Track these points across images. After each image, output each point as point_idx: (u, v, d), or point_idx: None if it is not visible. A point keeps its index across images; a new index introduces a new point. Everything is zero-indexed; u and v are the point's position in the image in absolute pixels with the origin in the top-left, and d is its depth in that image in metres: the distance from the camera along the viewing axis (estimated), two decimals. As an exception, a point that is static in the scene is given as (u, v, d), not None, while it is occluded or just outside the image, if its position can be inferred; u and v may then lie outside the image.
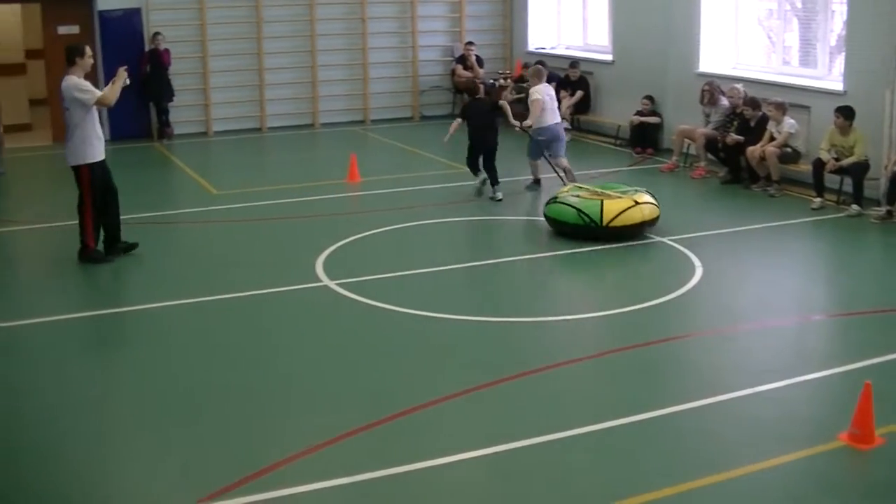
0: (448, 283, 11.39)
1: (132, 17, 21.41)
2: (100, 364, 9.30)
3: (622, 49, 20.16)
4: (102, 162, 12.30)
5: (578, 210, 12.75)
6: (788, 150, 15.18)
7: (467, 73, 22.91)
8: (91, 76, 21.51)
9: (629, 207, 12.73)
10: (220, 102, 21.88)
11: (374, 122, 23.34)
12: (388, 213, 14.43)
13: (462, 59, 23.09)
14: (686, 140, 17.17)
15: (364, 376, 8.80)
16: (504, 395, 8.32)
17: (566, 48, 22.70)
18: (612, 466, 7.11)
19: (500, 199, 15.04)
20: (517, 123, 15.64)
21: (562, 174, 15.64)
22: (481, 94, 16.15)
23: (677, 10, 18.27)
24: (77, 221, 12.29)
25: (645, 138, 18.64)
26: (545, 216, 13.32)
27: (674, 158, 17.25)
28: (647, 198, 13.06)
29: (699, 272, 11.34)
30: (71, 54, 12.05)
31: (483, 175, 15.49)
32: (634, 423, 7.70)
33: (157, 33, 21.03)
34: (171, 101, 21.39)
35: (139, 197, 15.92)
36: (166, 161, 19.46)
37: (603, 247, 12.62)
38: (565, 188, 13.89)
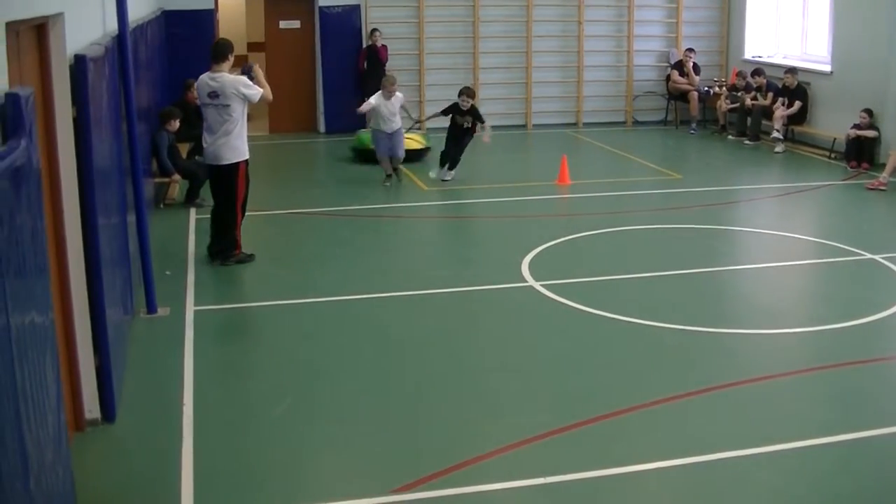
0: (654, 290, 11.32)
1: (351, 14, 22.02)
2: (303, 352, 9.53)
3: (841, 60, 19.70)
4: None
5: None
6: None
7: (683, 80, 22.77)
8: (308, 71, 22.23)
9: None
10: (434, 99, 22.18)
11: (587, 125, 23.41)
12: (597, 217, 14.47)
13: (679, 66, 22.93)
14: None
15: (562, 379, 8.83)
16: (702, 406, 8.26)
17: (783, 57, 22.29)
18: (803, 487, 6.97)
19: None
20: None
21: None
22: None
23: (902, 22, 17.79)
24: (215, 218, 12.13)
25: (861, 153, 18.18)
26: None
27: (883, 176, 16.69)
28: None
29: (911, 292, 11.08)
30: (224, 50, 11.71)
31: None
32: (830, 445, 7.54)
33: (374, 29, 21.53)
34: (388, 96, 21.83)
35: (352, 190, 16.34)
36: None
37: (809, 261, 12.47)
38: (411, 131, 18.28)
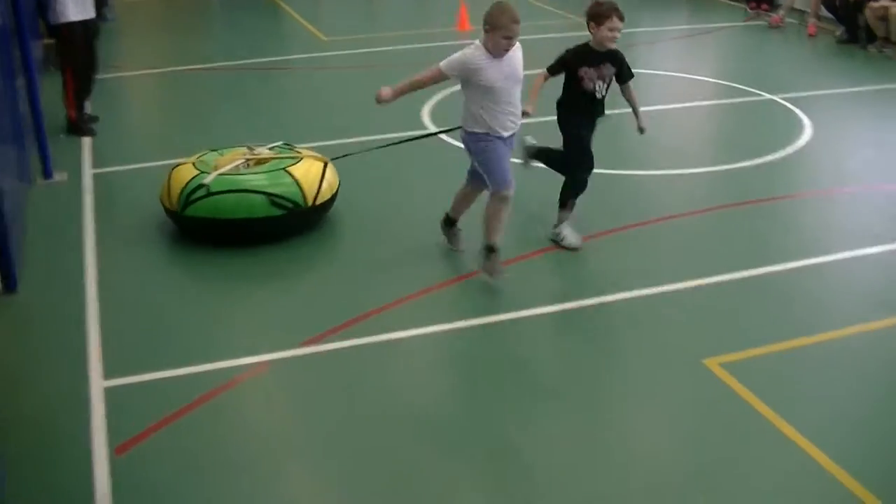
0: (556, 132, 11.32)
1: None
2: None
3: None
4: (86, 22, 11.37)
5: (268, 194, 8.24)
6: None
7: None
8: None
9: (324, 168, 8.81)
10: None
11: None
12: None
13: None
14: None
15: (464, 226, 8.80)
16: (604, 247, 8.37)
17: None
18: (706, 324, 7.13)
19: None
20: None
21: None
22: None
23: None
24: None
25: (761, -7, 18.26)
26: (188, 218, 8.40)
27: (781, 12, 16.90)
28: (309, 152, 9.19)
29: (808, 132, 11.20)
30: None
31: None
32: (733, 282, 7.70)
33: None
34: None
35: (248, 42, 16.07)
36: (275, 8, 19.52)
37: (710, 102, 12.57)
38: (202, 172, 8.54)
